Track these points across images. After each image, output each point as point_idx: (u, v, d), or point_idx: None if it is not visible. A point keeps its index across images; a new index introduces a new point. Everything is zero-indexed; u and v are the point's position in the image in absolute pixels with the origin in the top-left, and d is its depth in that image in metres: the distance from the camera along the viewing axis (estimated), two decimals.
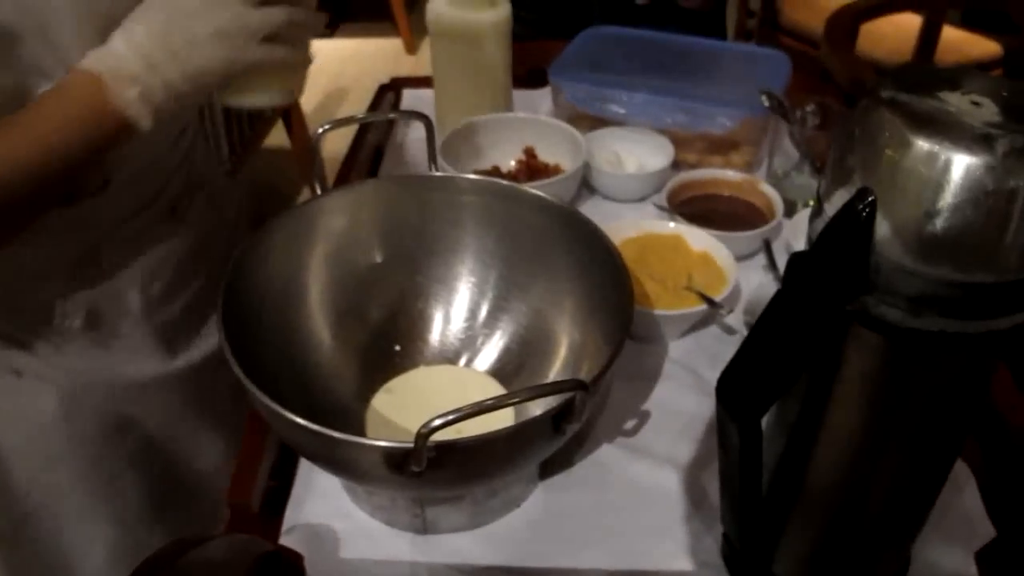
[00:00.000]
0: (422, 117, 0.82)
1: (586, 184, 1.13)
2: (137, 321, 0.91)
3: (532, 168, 1.14)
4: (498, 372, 0.81)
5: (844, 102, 2.14)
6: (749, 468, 0.56)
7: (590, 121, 1.18)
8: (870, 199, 0.46)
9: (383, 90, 1.37)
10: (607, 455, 0.78)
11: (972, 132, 0.44)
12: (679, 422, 0.81)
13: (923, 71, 0.50)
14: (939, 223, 0.45)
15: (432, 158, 0.84)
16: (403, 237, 0.81)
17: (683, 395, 0.84)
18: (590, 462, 0.78)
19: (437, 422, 0.52)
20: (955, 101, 0.47)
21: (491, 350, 0.82)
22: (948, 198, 0.44)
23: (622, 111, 1.14)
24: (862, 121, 0.48)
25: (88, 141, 0.67)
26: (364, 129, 1.24)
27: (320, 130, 0.79)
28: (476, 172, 1.11)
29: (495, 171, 1.14)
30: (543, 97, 1.28)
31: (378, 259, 0.82)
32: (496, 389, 0.79)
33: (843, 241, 0.48)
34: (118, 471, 0.95)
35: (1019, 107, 0.47)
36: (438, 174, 0.83)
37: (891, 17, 2.45)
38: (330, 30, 4.08)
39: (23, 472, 0.90)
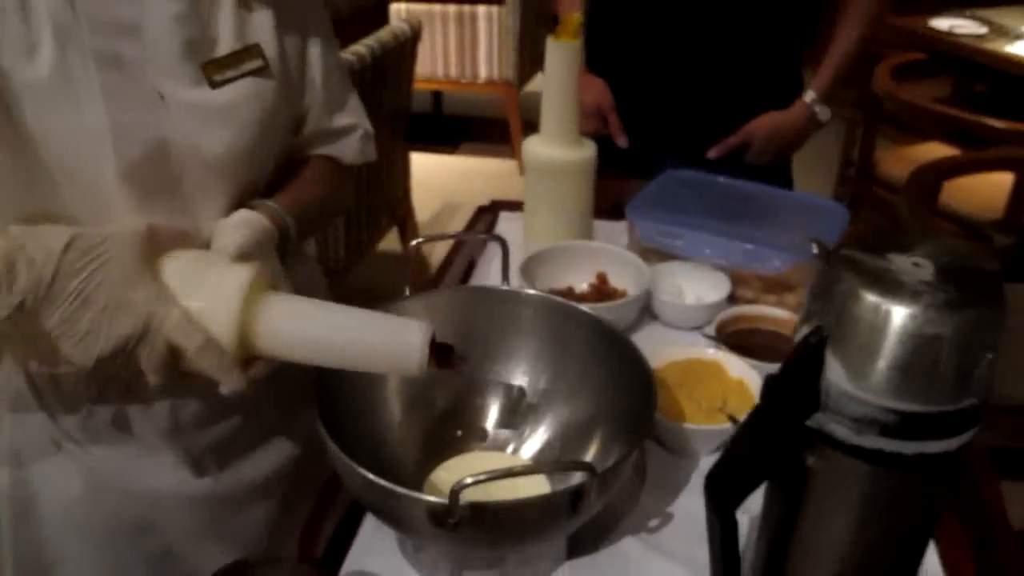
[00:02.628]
0: (499, 240, 0.97)
1: (649, 310, 1.25)
2: (164, 437, 0.95)
3: (602, 292, 1.27)
4: (538, 461, 0.93)
5: None
6: (728, 553, 0.66)
7: (659, 254, 1.31)
8: (823, 335, 0.58)
9: (481, 211, 1.54)
10: (630, 547, 0.88)
11: (906, 289, 0.56)
12: (700, 527, 0.90)
13: (884, 235, 0.62)
14: (876, 360, 0.56)
15: (505, 275, 0.98)
16: (469, 339, 0.94)
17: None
18: (614, 550, 0.88)
19: (468, 480, 0.64)
20: (899, 263, 0.59)
21: (535, 442, 0.94)
22: (883, 340, 0.56)
23: (685, 248, 1.27)
24: (827, 273, 0.60)
25: None
26: (459, 244, 1.40)
27: (413, 243, 0.95)
28: (552, 291, 1.25)
29: (569, 291, 1.28)
30: (621, 229, 1.42)
31: None
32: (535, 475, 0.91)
33: (801, 368, 0.59)
34: (134, 568, 1.00)
35: (952, 269, 0.58)
36: (503, 287, 0.97)
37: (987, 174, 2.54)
38: (452, 147, 4.38)
39: (53, 526, 0.97)
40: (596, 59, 1.74)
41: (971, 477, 0.96)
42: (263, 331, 0.73)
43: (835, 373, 0.58)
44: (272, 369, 0.77)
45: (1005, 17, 3.16)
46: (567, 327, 0.93)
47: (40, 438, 0.95)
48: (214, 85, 0.85)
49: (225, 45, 0.86)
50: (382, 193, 2.76)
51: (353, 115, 1.05)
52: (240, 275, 0.74)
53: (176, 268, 0.74)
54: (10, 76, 0.76)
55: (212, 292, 0.73)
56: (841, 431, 0.59)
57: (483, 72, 4.00)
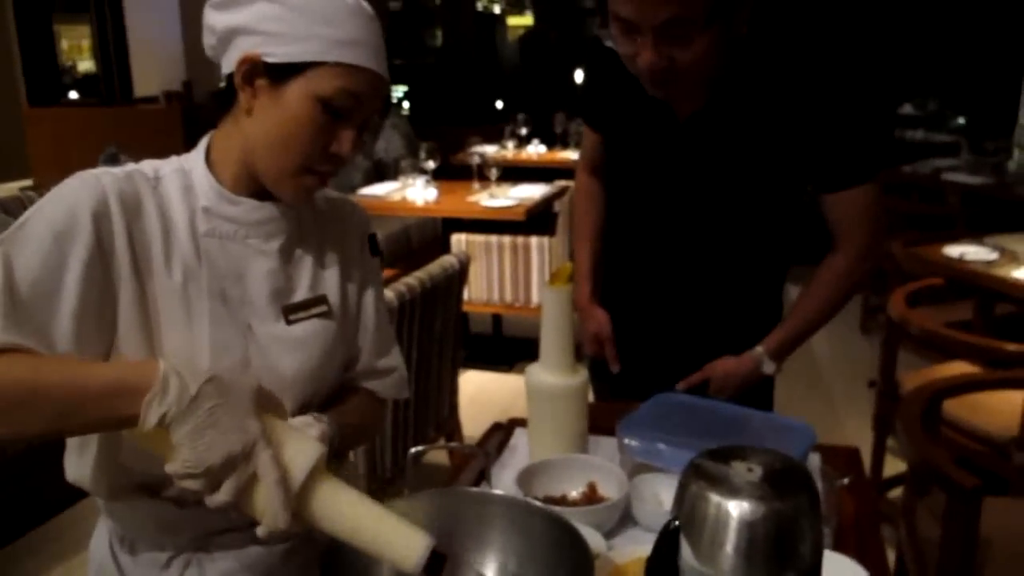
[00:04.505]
0: (482, 450, 1.18)
1: (632, 517, 1.42)
2: None
3: (591, 499, 1.46)
4: None
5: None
6: None
7: (649, 468, 1.49)
8: (675, 525, 0.77)
9: (496, 427, 1.75)
10: None
11: (733, 487, 0.76)
12: None
13: (733, 450, 0.82)
14: (713, 542, 0.75)
15: (487, 479, 1.19)
16: (445, 533, 1.09)
17: None
18: None
19: None
20: (737, 468, 0.78)
21: None
22: (716, 526, 0.75)
23: (667, 462, 1.46)
24: (683, 477, 0.80)
25: (98, 396, 0.92)
26: (473, 453, 1.61)
27: (412, 451, 1.17)
28: (547, 497, 1.44)
29: (563, 498, 1.46)
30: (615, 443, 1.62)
31: None
32: None
33: (663, 550, 0.78)
34: None
35: (775, 472, 0.77)
36: (474, 490, 1.17)
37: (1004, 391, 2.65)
38: (508, 366, 4.65)
39: None
40: (605, 292, 2.00)
41: None
42: (314, 497, 0.95)
43: (686, 552, 0.77)
44: (304, 531, 0.96)
45: (1019, 243, 3.36)
46: (526, 521, 1.13)
47: None
48: (289, 322, 1.15)
49: (301, 293, 1.17)
50: (430, 406, 3.00)
51: (394, 360, 1.31)
52: (316, 447, 0.96)
53: (271, 424, 0.96)
54: (153, 288, 1.06)
55: (294, 450, 0.95)
56: None
57: (535, 297, 4.32)
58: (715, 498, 0.75)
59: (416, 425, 2.85)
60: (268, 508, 0.92)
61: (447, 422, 3.18)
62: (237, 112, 1.10)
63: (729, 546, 0.74)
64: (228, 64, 1.08)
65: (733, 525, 0.74)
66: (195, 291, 1.09)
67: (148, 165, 1.13)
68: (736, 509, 0.74)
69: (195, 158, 1.14)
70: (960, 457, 2.53)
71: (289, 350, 1.13)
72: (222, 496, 0.91)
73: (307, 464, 0.94)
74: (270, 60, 1.04)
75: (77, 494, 1.19)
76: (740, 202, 1.77)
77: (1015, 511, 2.22)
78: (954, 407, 2.58)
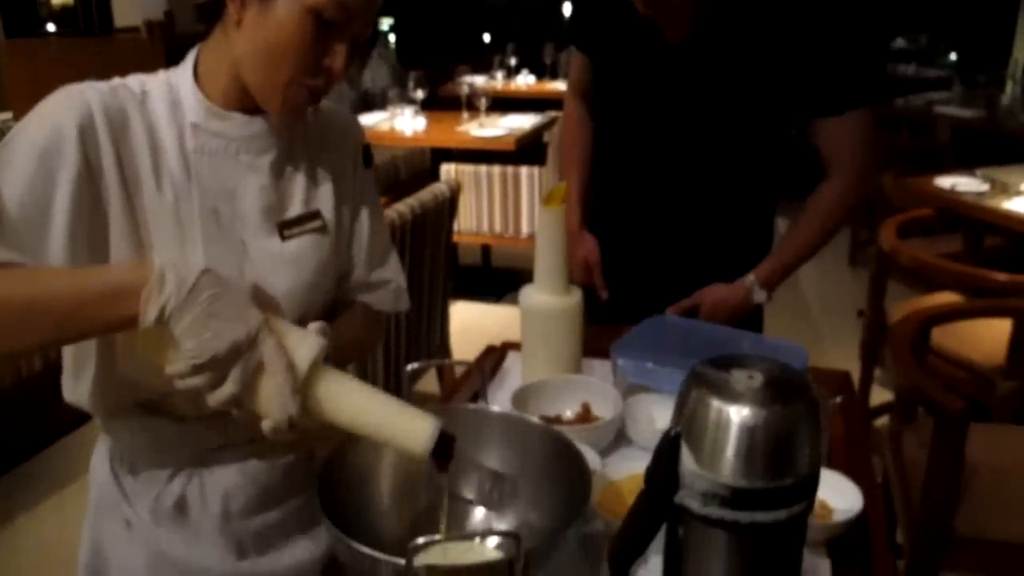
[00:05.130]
0: (479, 367, 1.18)
1: (626, 436, 1.43)
2: (215, 523, 1.17)
3: (585, 419, 1.47)
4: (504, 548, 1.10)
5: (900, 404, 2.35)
6: None
7: (643, 389, 1.50)
8: (677, 431, 0.78)
9: (490, 349, 1.76)
10: None
11: (734, 393, 0.76)
12: None
13: (733, 358, 0.82)
14: (712, 446, 0.75)
15: (483, 396, 1.19)
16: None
17: None
18: None
19: (420, 540, 0.83)
20: (737, 376, 0.78)
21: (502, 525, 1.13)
22: (716, 431, 0.75)
23: (659, 382, 1.47)
24: (684, 385, 0.80)
25: (96, 300, 0.89)
26: (469, 373, 1.62)
27: (408, 367, 1.16)
28: (542, 417, 1.44)
29: (557, 418, 1.47)
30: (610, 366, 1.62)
31: None
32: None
33: (665, 457, 0.78)
34: None
35: (776, 381, 0.77)
36: (471, 407, 1.18)
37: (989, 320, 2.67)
38: (497, 297, 4.66)
39: None
40: (593, 219, 1.98)
41: (876, 571, 1.11)
42: (318, 388, 0.94)
43: (687, 458, 0.77)
44: (308, 427, 0.96)
45: (1010, 175, 3.36)
46: (522, 436, 1.14)
47: (116, 519, 1.19)
48: (284, 239, 1.13)
49: (295, 209, 1.14)
50: (421, 338, 3.00)
51: (390, 272, 1.30)
52: (318, 340, 0.95)
53: (272, 319, 0.95)
54: (143, 205, 1.04)
55: (296, 343, 0.94)
56: (694, 504, 0.78)
57: (525, 227, 4.31)
58: (716, 404, 0.75)
59: (407, 356, 2.86)
60: (276, 397, 0.91)
61: (438, 352, 3.18)
62: (226, 25, 1.07)
63: (730, 451, 0.74)
64: None
65: (734, 430, 0.74)
66: (187, 210, 1.07)
67: (134, 80, 1.10)
68: (737, 415, 0.74)
69: (182, 73, 1.11)
70: (957, 389, 2.56)
71: (283, 266, 1.12)
72: (228, 388, 0.90)
73: (311, 353, 0.93)
74: None
75: (71, 424, 1.20)
76: (731, 127, 1.75)
77: (998, 437, 2.26)
78: (941, 336, 2.60)
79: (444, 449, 0.95)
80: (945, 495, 1.89)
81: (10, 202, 0.96)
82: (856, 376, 3.10)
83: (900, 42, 7.50)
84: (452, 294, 4.57)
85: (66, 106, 1.00)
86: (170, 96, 1.08)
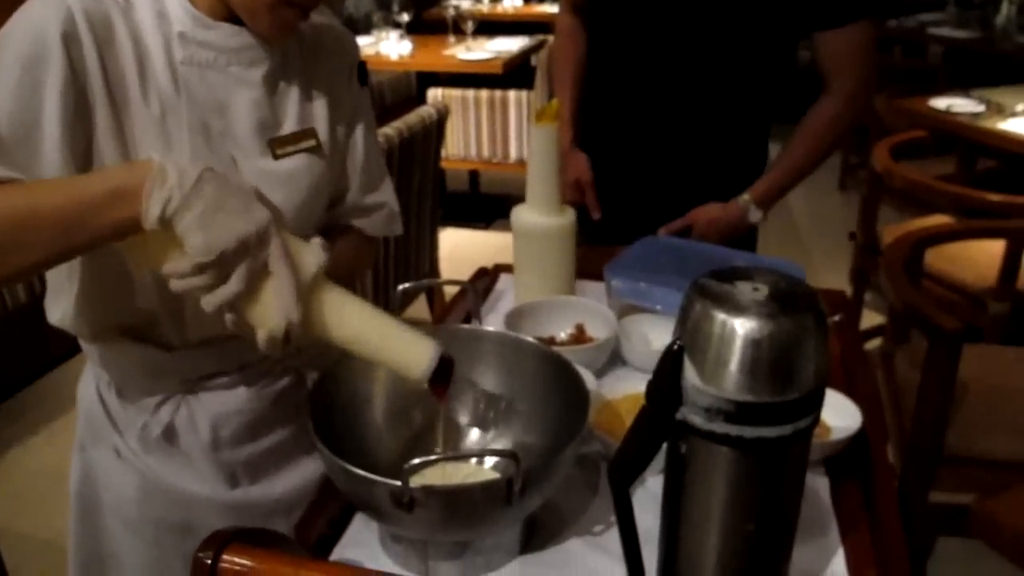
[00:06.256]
0: (472, 285, 1.15)
1: (621, 357, 1.42)
2: (205, 452, 1.15)
3: (580, 341, 1.44)
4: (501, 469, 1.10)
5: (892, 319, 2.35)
6: (625, 523, 0.83)
7: (637, 310, 1.48)
8: (679, 345, 0.75)
9: (482, 272, 1.73)
10: (575, 546, 1.04)
11: (738, 305, 0.73)
12: (640, 532, 1.06)
13: (737, 270, 0.79)
14: (716, 360, 0.73)
15: (477, 316, 1.16)
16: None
17: (647, 515, 1.08)
18: (561, 548, 1.03)
19: (416, 461, 0.81)
20: (742, 288, 0.76)
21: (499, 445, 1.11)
22: (720, 344, 0.73)
23: (654, 302, 1.44)
24: (686, 298, 0.77)
25: (98, 204, 0.86)
26: (462, 296, 1.59)
27: (400, 288, 1.14)
28: (535, 338, 1.42)
29: (551, 340, 1.45)
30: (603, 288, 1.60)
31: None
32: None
33: (667, 371, 0.76)
34: (173, 565, 1.17)
35: (782, 293, 0.75)
36: (465, 327, 1.15)
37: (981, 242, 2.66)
38: (487, 223, 4.62)
39: (110, 520, 1.18)
40: (585, 138, 1.94)
41: (877, 490, 1.11)
42: (320, 302, 0.92)
43: (690, 373, 0.75)
44: (302, 342, 0.93)
45: (1005, 96, 3.32)
46: (517, 356, 1.12)
47: (105, 447, 1.17)
48: (276, 157, 1.08)
49: (288, 126, 1.09)
50: (410, 264, 2.97)
51: (384, 195, 1.26)
52: (321, 252, 0.93)
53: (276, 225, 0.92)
54: (130, 118, 0.99)
55: (301, 248, 0.92)
56: (697, 420, 0.76)
57: (514, 152, 4.25)
58: (720, 316, 0.72)
59: (396, 281, 2.83)
60: (278, 301, 0.88)
61: (428, 276, 3.16)
62: None
63: (734, 365, 0.72)
64: None
65: (738, 343, 0.72)
66: (175, 124, 1.01)
67: None
68: (742, 327, 0.72)
69: None
70: (950, 309, 2.55)
71: (275, 185, 1.07)
72: (231, 286, 0.87)
73: (316, 261, 0.90)
74: None
75: (60, 356, 1.17)
76: (729, 41, 1.71)
77: (988, 357, 2.26)
78: (934, 259, 2.58)
79: (443, 374, 0.92)
80: (937, 414, 1.89)
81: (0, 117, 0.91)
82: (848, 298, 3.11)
83: None
84: (441, 220, 4.54)
85: (46, 13, 0.94)
86: (156, 6, 1.02)
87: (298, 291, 0.89)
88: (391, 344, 0.92)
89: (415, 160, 2.78)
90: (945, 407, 1.90)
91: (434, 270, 3.25)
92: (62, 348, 1.03)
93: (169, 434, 1.15)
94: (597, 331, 1.45)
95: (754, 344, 0.72)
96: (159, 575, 1.18)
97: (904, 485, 2.00)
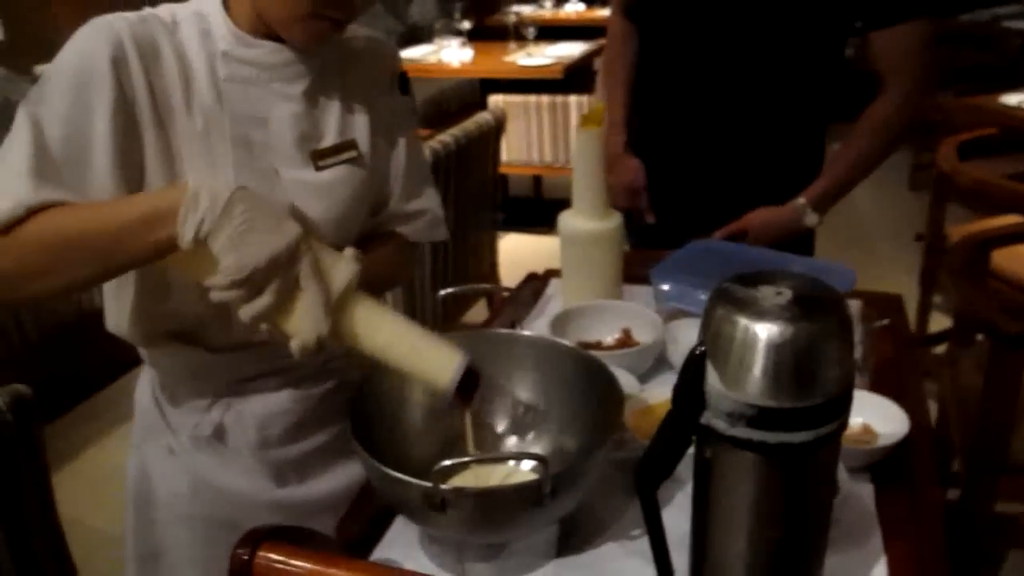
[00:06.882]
0: (501, 288, 1.16)
1: (667, 361, 1.41)
2: (253, 451, 1.19)
3: (625, 344, 1.45)
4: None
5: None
6: (653, 525, 0.83)
7: (685, 313, 1.47)
8: (701, 350, 0.75)
9: (531, 277, 1.74)
10: (611, 550, 1.04)
11: (762, 311, 0.73)
12: (676, 537, 1.06)
13: (760, 274, 0.79)
14: (738, 365, 0.73)
15: (519, 321, 1.18)
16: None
17: (684, 519, 1.08)
18: (597, 552, 1.03)
19: (447, 463, 0.83)
20: (765, 292, 0.75)
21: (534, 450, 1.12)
22: (741, 348, 0.73)
23: (700, 306, 1.43)
24: (709, 302, 0.77)
25: (137, 226, 0.92)
26: (508, 299, 1.61)
27: (441, 293, 1.16)
28: (581, 343, 1.42)
29: (598, 344, 1.45)
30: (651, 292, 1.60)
31: None
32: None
33: (690, 376, 0.76)
34: (223, 561, 1.25)
35: (806, 297, 0.74)
36: (503, 331, 1.17)
37: None
38: (549, 228, 4.63)
39: (164, 514, 1.22)
40: (637, 141, 1.94)
41: (918, 496, 1.09)
42: (350, 312, 0.95)
43: (712, 377, 0.75)
44: (339, 351, 0.98)
45: None
46: (554, 359, 1.13)
47: (159, 445, 1.22)
48: (318, 168, 1.11)
49: (329, 138, 1.13)
50: (469, 268, 3.00)
51: (426, 201, 1.28)
52: (353, 264, 0.97)
53: (309, 239, 0.95)
54: (176, 134, 1.04)
55: (333, 262, 0.95)
56: (720, 425, 0.76)
57: None
58: (742, 321, 0.72)
59: (455, 283, 2.86)
60: (308, 315, 0.92)
61: (487, 280, 3.18)
62: None
63: (756, 370, 0.72)
64: None
65: (760, 348, 0.71)
66: (217, 137, 1.06)
67: (165, 9, 1.09)
68: (764, 331, 0.71)
69: (211, 2, 1.09)
70: (1008, 310, 2.48)
71: (316, 195, 1.11)
72: (264, 300, 0.91)
73: (347, 275, 0.94)
74: None
75: (122, 368, 1.23)
76: (781, 42, 1.69)
77: None
78: (1003, 259, 2.51)
79: (469, 384, 0.94)
80: (1001, 420, 1.84)
81: (52, 140, 0.97)
82: (915, 302, 3.04)
83: None
84: (503, 225, 4.55)
85: (96, 37, 1.00)
86: (200, 25, 1.07)
87: (327, 305, 0.92)
88: (418, 354, 0.95)
89: (472, 166, 2.80)
90: (1010, 414, 1.85)
91: (494, 273, 3.27)
92: (134, 353, 1.09)
93: (219, 433, 1.19)
94: (643, 335, 1.45)
95: (775, 349, 0.71)
96: (209, 570, 1.22)
97: (968, 495, 1.94)
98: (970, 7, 5.35)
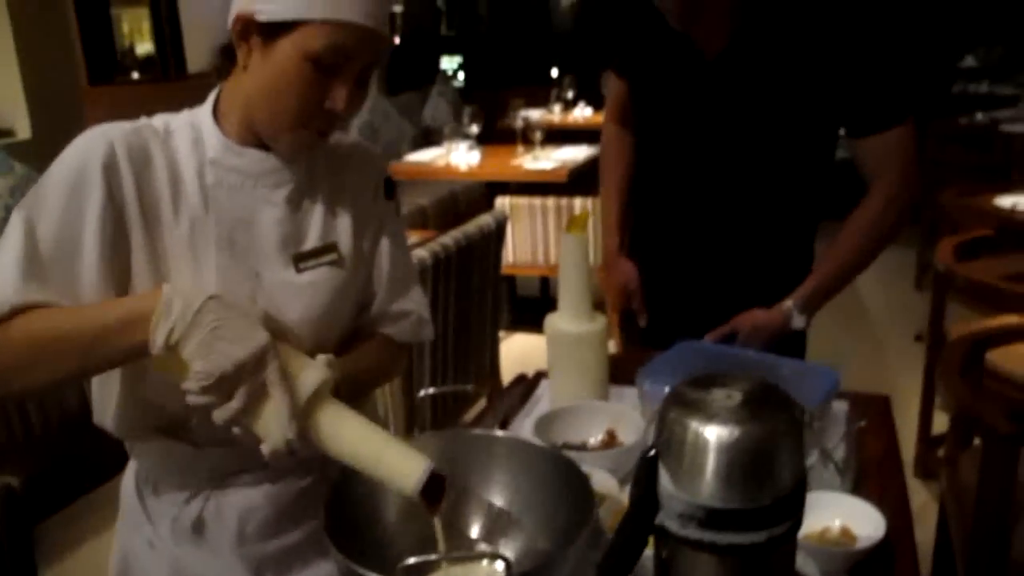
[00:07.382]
0: (473, 388, 1.19)
1: None
2: (232, 545, 1.21)
3: (610, 445, 1.46)
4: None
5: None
6: None
7: None
8: (654, 453, 0.77)
9: (520, 378, 1.77)
10: None
11: (712, 414, 0.75)
12: None
13: (715, 377, 0.81)
14: (687, 467, 0.75)
15: (502, 424, 1.20)
16: (450, 472, 1.11)
17: None
18: None
19: (411, 560, 0.85)
20: (716, 395, 0.78)
21: (507, 552, 1.12)
22: (689, 450, 0.75)
23: None
24: (662, 405, 0.80)
25: (113, 330, 0.98)
26: (501, 399, 1.63)
27: (420, 393, 1.18)
28: (566, 444, 1.44)
29: (582, 445, 1.47)
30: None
31: None
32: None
33: (643, 477, 0.78)
34: None
35: (755, 399, 0.77)
36: (479, 432, 1.19)
37: None
38: None
39: None
40: (633, 242, 1.98)
41: None
42: (319, 417, 0.98)
43: (665, 480, 0.77)
44: (306, 455, 1.00)
45: None
46: (525, 459, 1.15)
47: (140, 539, 1.24)
48: (299, 270, 1.16)
49: (311, 241, 1.18)
50: (470, 366, 3.02)
51: (411, 303, 1.32)
52: (323, 369, 1.01)
53: (280, 345, 1.00)
54: (162, 236, 1.09)
55: (300, 370, 0.99)
56: (673, 525, 0.77)
57: None
58: (692, 424, 0.75)
59: (455, 381, 2.88)
60: (276, 420, 0.95)
61: (488, 380, 3.20)
62: (238, 68, 1.12)
63: (707, 471, 0.74)
64: (229, 22, 1.10)
65: (710, 450, 0.73)
66: (202, 240, 1.11)
67: (160, 119, 1.16)
68: (712, 434, 0.74)
69: (204, 112, 1.16)
70: (1010, 411, 2.47)
71: (296, 295, 1.15)
72: (232, 405, 0.94)
73: (314, 381, 0.97)
74: (261, 19, 1.04)
75: (121, 463, 1.27)
76: (770, 147, 1.74)
77: None
78: (1000, 358, 2.51)
79: (435, 489, 0.96)
80: (998, 519, 1.83)
81: (43, 241, 1.03)
82: (918, 402, 3.04)
83: (970, 60, 7.34)
84: (510, 325, 4.59)
85: (91, 146, 1.07)
86: (192, 134, 1.14)
87: (292, 410, 0.96)
88: (384, 459, 0.97)
89: (474, 266, 2.86)
90: (1006, 512, 1.84)
91: (495, 371, 3.29)
92: None
93: (199, 526, 1.21)
94: (628, 436, 1.46)
95: (723, 450, 0.74)
96: None
97: None
98: (972, 109, 5.47)
